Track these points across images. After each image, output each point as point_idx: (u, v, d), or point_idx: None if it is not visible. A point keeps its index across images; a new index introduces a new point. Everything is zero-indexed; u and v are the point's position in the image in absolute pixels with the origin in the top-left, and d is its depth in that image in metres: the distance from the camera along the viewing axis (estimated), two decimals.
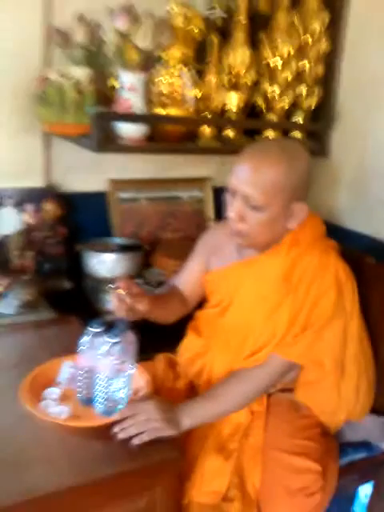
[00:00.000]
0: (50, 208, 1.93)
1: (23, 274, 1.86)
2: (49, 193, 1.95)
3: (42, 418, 1.12)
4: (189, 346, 1.47)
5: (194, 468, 1.24)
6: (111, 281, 1.88)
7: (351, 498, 1.77)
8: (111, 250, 1.91)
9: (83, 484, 1.00)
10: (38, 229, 1.93)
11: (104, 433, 1.11)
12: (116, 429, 1.10)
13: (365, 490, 1.74)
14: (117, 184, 2.11)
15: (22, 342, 1.50)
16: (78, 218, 2.07)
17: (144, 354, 1.33)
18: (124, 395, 1.17)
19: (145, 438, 1.09)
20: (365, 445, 1.55)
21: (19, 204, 1.90)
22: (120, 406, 1.16)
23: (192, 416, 1.19)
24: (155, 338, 1.55)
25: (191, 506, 1.22)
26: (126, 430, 1.10)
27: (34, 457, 1.04)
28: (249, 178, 1.19)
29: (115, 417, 1.13)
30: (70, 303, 1.87)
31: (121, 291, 1.23)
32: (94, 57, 1.77)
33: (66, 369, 1.28)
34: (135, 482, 1.07)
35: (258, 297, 1.31)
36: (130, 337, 1.18)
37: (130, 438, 1.09)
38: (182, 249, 1.93)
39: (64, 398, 1.20)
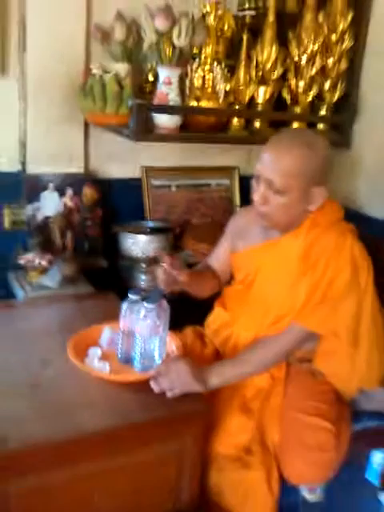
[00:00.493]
0: (88, 192, 2.09)
1: (64, 252, 2.03)
2: (87, 178, 2.11)
3: (87, 371, 1.28)
4: (216, 318, 1.62)
5: (219, 424, 1.39)
6: (144, 260, 2.07)
7: (363, 465, 1.89)
8: (144, 232, 2.06)
9: (122, 426, 1.15)
10: (77, 211, 2.09)
11: (140, 386, 1.26)
12: (152, 383, 1.25)
13: (377, 459, 1.85)
14: (149, 171, 2.26)
15: (64, 311, 1.65)
16: (114, 202, 2.23)
17: (174, 326, 1.49)
18: (158, 355, 1.32)
19: (176, 391, 1.24)
20: (378, 414, 1.67)
21: (60, 188, 2.07)
22: (155, 364, 1.31)
23: (219, 376, 1.34)
24: (184, 313, 1.71)
25: (217, 457, 1.37)
26: (160, 385, 1.24)
27: (80, 403, 1.20)
28: (271, 164, 1.33)
29: (150, 373, 1.28)
30: (106, 280, 2.03)
31: (166, 265, 1.37)
32: (132, 53, 1.91)
33: (107, 332, 1.43)
34: (167, 428, 1.22)
35: (279, 273, 1.44)
36: (164, 304, 1.34)
37: (164, 391, 1.24)
38: (209, 233, 2.08)
39: (105, 357, 1.35)
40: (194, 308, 1.71)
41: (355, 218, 1.75)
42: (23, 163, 2.04)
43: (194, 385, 1.27)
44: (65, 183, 2.07)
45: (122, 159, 2.21)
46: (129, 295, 1.35)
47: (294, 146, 1.32)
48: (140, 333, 1.29)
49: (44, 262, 1.85)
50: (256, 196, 1.38)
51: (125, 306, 1.35)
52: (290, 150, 1.32)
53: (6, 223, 2.06)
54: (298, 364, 1.53)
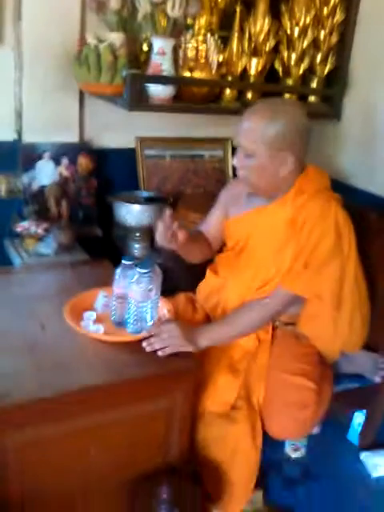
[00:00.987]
0: (83, 162, 2.12)
1: (60, 220, 2.07)
2: (82, 148, 2.14)
3: (83, 333, 1.35)
4: (207, 283, 1.69)
5: (208, 383, 1.47)
6: (138, 229, 2.12)
7: (346, 426, 2.00)
8: (138, 202, 2.10)
9: (115, 382, 1.22)
10: (72, 180, 2.13)
11: (133, 347, 1.33)
12: (144, 343, 1.32)
13: (358, 420, 1.95)
14: (144, 141, 2.29)
15: (60, 278, 1.71)
16: (109, 172, 2.26)
17: (168, 293, 1.55)
18: (150, 317, 1.39)
19: (168, 351, 1.31)
20: (359, 376, 1.76)
21: (56, 157, 2.10)
22: (147, 326, 1.38)
23: (208, 337, 1.42)
24: (178, 280, 1.77)
25: (205, 414, 1.45)
26: (152, 345, 1.32)
27: (77, 362, 1.27)
28: (242, 130, 1.45)
29: (143, 334, 1.35)
30: (101, 249, 2.09)
31: (167, 218, 1.43)
32: (127, 22, 1.92)
33: (101, 297, 1.49)
34: (159, 384, 1.29)
35: (268, 239, 1.52)
36: (157, 270, 1.39)
37: (156, 351, 1.31)
38: (203, 203, 2.12)
39: (99, 320, 1.42)
40: (188, 275, 1.78)
41: (341, 189, 1.81)
42: (19, 132, 2.06)
43: (184, 345, 1.34)
44: (60, 152, 2.10)
45: (116, 129, 2.23)
46: (122, 261, 1.41)
47: (258, 114, 1.43)
48: (133, 297, 1.35)
49: (40, 230, 1.90)
50: (234, 160, 1.49)
51: (118, 271, 1.41)
52: (256, 117, 1.43)
53: (3, 191, 2.10)
54: (283, 327, 1.61)
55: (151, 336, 1.34)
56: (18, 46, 1.96)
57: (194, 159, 2.41)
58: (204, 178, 2.44)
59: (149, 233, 2.16)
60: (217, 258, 1.71)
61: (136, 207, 2.07)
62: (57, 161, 2.10)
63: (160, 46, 1.68)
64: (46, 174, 2.10)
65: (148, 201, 2.13)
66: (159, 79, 1.70)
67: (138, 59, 1.98)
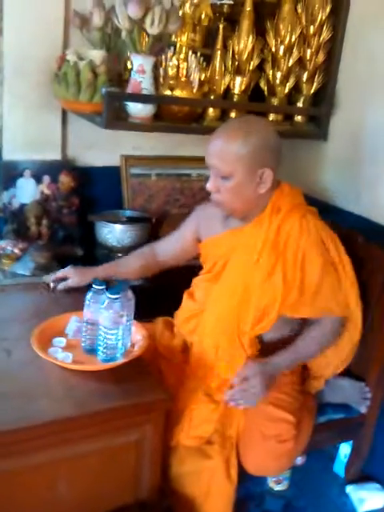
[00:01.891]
0: (65, 180, 2.07)
1: (39, 239, 2.02)
2: (65, 166, 2.09)
3: (49, 360, 1.28)
4: (184, 308, 1.63)
5: (183, 415, 1.40)
6: (120, 250, 2.06)
7: (332, 457, 1.92)
8: (121, 222, 2.05)
9: (79, 415, 1.16)
10: (53, 199, 2.08)
11: (102, 376, 1.26)
12: (226, 397, 1.36)
13: (344, 451, 1.88)
14: (129, 160, 2.25)
15: (35, 299, 1.65)
16: (93, 191, 2.21)
17: (146, 317, 1.50)
18: (122, 345, 1.32)
19: (249, 405, 1.37)
20: (344, 406, 1.69)
21: (37, 175, 2.05)
22: (118, 354, 1.31)
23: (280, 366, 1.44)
24: (158, 304, 1.71)
25: (178, 447, 1.39)
26: (236, 401, 1.35)
27: (40, 392, 1.20)
28: (214, 152, 1.39)
29: (114, 363, 1.28)
30: None
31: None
32: (111, 40, 1.89)
33: (73, 322, 1.44)
34: (126, 417, 1.23)
35: (248, 263, 1.45)
36: (129, 294, 1.34)
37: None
38: None
39: (70, 347, 1.36)
40: (168, 299, 1.71)
41: (327, 210, 1.76)
42: None
43: (266, 392, 1.37)
44: (41, 170, 2.05)
45: (101, 147, 2.19)
46: (93, 285, 1.35)
47: (230, 133, 1.37)
48: (102, 323, 1.29)
49: (16, 250, 1.85)
50: (209, 185, 1.43)
51: (89, 295, 1.35)
52: (227, 136, 1.37)
53: None
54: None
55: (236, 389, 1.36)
56: None
57: (180, 178, 2.36)
58: (191, 197, 2.39)
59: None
60: (193, 282, 1.64)
61: (118, 227, 2.02)
62: (38, 179, 2.06)
63: (140, 63, 1.64)
64: (26, 191, 2.05)
65: (130, 220, 2.08)
66: (138, 98, 1.65)
67: (121, 77, 1.95)
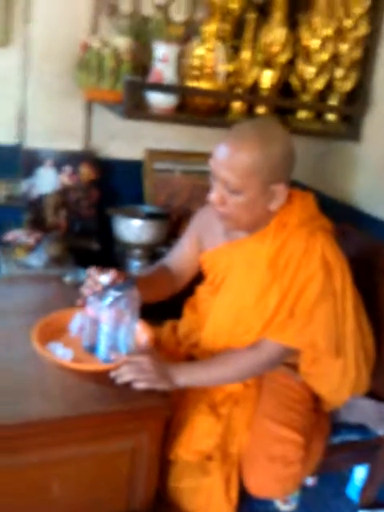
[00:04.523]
0: (85, 171, 2.03)
1: (55, 231, 1.98)
2: (85, 157, 2.05)
3: (46, 357, 1.23)
4: (185, 320, 1.53)
5: (184, 428, 1.31)
6: (137, 246, 2.00)
7: (345, 479, 1.80)
8: (139, 217, 1.99)
9: (72, 416, 1.09)
10: (73, 190, 2.04)
11: (100, 377, 1.19)
12: (112, 374, 1.19)
13: (359, 474, 1.76)
14: (153, 154, 2.18)
15: (44, 292, 1.60)
16: (114, 184, 2.16)
17: (154, 319, 1.42)
18: (124, 345, 1.26)
19: (139, 385, 1.17)
20: (360, 427, 1.58)
21: (58, 165, 2.01)
22: (120, 355, 1.24)
23: (188, 376, 1.26)
24: (165, 306, 1.63)
25: (177, 462, 1.30)
26: (121, 376, 1.18)
27: (35, 388, 1.14)
28: (225, 162, 1.20)
29: (113, 364, 1.22)
30: (97, 263, 1.96)
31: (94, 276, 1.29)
32: (139, 28, 1.83)
33: (78, 318, 1.37)
34: (121, 423, 1.15)
35: (246, 280, 1.33)
36: (135, 293, 1.27)
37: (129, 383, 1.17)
38: None
39: (71, 344, 1.30)
40: (179, 299, 1.63)
41: (356, 217, 1.65)
42: (21, 137, 1.99)
43: (157, 382, 1.20)
44: (63, 160, 2.02)
45: (124, 139, 2.14)
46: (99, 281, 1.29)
47: (247, 143, 1.19)
48: (104, 321, 1.23)
49: (30, 240, 1.80)
50: (212, 196, 1.26)
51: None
52: (244, 147, 1.19)
53: (2, 197, 2.02)
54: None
55: (122, 367, 1.20)
56: (25, 49, 1.90)
57: (205, 175, 2.28)
58: None
59: (148, 250, 2.04)
60: (196, 290, 1.53)
61: (135, 222, 1.95)
62: (59, 169, 2.02)
63: (163, 52, 1.57)
64: (46, 181, 2.02)
65: (149, 216, 2.01)
66: (158, 87, 1.58)
67: (148, 68, 1.89)
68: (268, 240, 1.29)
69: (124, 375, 1.18)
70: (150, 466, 1.21)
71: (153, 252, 2.05)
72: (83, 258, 1.95)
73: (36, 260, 1.81)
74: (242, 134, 1.22)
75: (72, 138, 2.03)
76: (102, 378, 1.20)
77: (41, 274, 1.78)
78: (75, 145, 2.05)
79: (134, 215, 2.00)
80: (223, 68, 1.64)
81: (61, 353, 1.26)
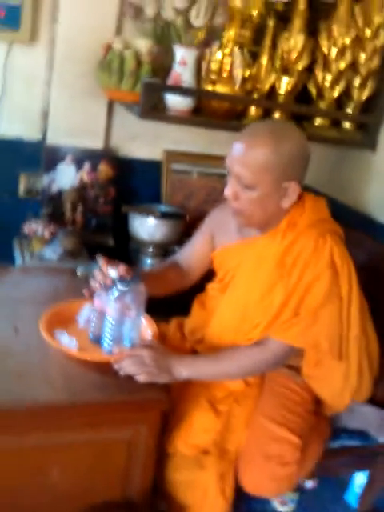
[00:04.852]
0: (103, 169, 2.08)
1: (72, 226, 2.03)
2: (105, 155, 2.10)
3: (53, 345, 1.27)
4: (193, 316, 1.56)
5: (183, 422, 1.33)
6: (151, 244, 2.04)
7: (344, 485, 1.81)
8: (154, 216, 2.02)
9: (71, 403, 1.13)
10: (91, 187, 2.09)
11: (103, 367, 1.23)
12: (115, 366, 1.22)
13: (359, 480, 1.76)
14: (171, 155, 2.22)
15: (57, 283, 1.64)
16: (132, 183, 2.21)
17: (161, 315, 1.45)
18: (128, 338, 1.29)
19: (142, 378, 1.20)
20: (361, 433, 1.58)
21: (78, 162, 2.06)
22: (123, 348, 1.28)
23: (190, 369, 1.28)
24: (172, 303, 1.65)
25: (175, 454, 1.32)
26: (123, 369, 1.21)
27: (39, 373, 1.19)
28: (239, 157, 1.25)
29: (115, 356, 1.25)
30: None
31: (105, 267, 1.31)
32: (162, 31, 1.87)
33: (86, 310, 1.41)
34: (121, 413, 1.18)
35: (254, 278, 1.36)
36: (141, 288, 1.30)
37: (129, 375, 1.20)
38: None
39: (78, 334, 1.33)
40: (187, 296, 1.66)
41: (371, 227, 1.64)
42: (44, 133, 2.05)
43: (158, 375, 1.22)
44: (83, 157, 2.07)
45: (143, 140, 2.18)
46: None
47: (260, 140, 1.24)
48: (110, 314, 1.26)
49: (46, 233, 1.85)
50: (227, 191, 1.31)
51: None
52: (257, 144, 1.24)
53: (21, 191, 2.09)
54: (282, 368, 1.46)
55: (124, 358, 1.24)
56: (51, 47, 1.95)
57: (221, 178, 2.31)
58: None
59: (162, 249, 2.08)
60: (207, 287, 1.56)
61: (150, 221, 1.99)
62: (79, 165, 2.07)
63: (182, 55, 1.61)
64: (66, 177, 2.07)
65: (164, 216, 2.05)
66: (175, 89, 1.62)
67: (168, 70, 1.93)
68: (278, 238, 1.32)
69: (125, 368, 1.21)
70: (147, 458, 1.24)
71: (166, 251, 2.09)
72: (97, 253, 2.00)
73: (51, 252, 1.86)
74: (256, 132, 1.27)
75: (93, 136, 2.08)
76: (105, 369, 1.23)
77: (55, 266, 1.82)
78: (96, 143, 2.09)
79: (150, 214, 2.03)
80: (240, 72, 1.67)
81: (66, 341, 1.29)
